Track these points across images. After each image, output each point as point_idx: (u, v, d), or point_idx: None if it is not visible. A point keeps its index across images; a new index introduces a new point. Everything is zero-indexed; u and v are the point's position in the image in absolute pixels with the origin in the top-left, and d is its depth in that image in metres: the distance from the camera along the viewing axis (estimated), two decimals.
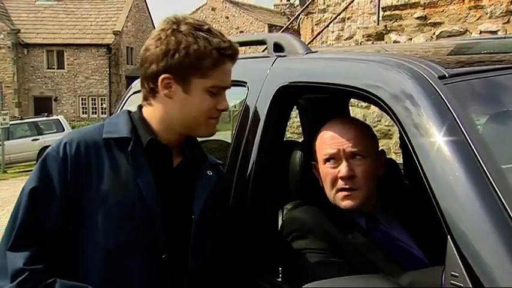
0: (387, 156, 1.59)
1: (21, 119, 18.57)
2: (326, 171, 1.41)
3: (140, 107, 1.34)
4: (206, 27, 1.24)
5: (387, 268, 1.28)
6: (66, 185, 1.18)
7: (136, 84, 2.73)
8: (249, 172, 1.54)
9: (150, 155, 1.25)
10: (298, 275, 1.34)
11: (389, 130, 5.29)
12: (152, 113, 1.29)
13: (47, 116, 17.63)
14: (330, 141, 1.41)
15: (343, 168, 1.37)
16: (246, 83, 1.65)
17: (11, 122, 16.04)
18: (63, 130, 16.72)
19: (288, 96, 1.54)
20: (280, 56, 1.61)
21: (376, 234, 1.40)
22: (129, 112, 1.34)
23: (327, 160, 1.41)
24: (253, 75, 1.65)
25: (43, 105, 26.58)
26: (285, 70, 1.57)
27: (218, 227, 1.35)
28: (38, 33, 27.71)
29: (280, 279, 1.38)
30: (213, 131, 1.32)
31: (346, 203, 1.38)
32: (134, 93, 2.69)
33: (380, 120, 5.41)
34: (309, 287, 1.03)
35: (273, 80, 1.55)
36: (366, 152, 1.39)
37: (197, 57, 1.20)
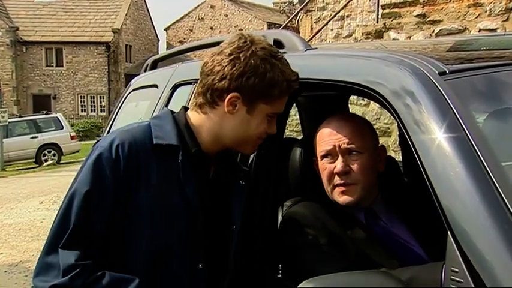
0: (387, 154, 1.59)
1: (20, 116, 18.52)
2: (323, 167, 1.43)
3: (185, 109, 1.36)
4: (280, 56, 1.29)
5: (387, 263, 1.28)
6: (117, 188, 1.19)
7: (136, 82, 2.74)
8: (249, 170, 1.54)
9: (194, 163, 1.28)
10: (298, 271, 1.34)
11: (388, 128, 5.29)
12: (203, 122, 1.31)
13: (45, 114, 17.60)
14: (326, 137, 1.42)
15: (338, 164, 1.38)
16: None
17: (9, 120, 16.01)
18: (62, 128, 16.70)
19: None
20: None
21: (376, 229, 1.40)
22: (173, 113, 1.35)
23: (323, 156, 1.42)
24: None
25: (42, 103, 26.55)
26: None
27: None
28: (36, 31, 27.67)
29: (280, 276, 1.38)
30: (255, 150, 1.40)
31: (343, 199, 1.39)
32: (133, 90, 2.69)
33: (379, 118, 5.41)
34: (306, 286, 1.03)
35: None
36: (362, 148, 1.39)
37: (270, 84, 1.24)
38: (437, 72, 1.14)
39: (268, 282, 1.42)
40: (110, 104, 26.87)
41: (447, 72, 1.14)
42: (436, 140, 1.04)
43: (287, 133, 7.02)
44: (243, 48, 1.25)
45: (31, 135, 16.39)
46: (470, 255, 0.91)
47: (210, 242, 1.28)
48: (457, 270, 0.92)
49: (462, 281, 0.90)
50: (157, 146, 1.25)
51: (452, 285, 0.93)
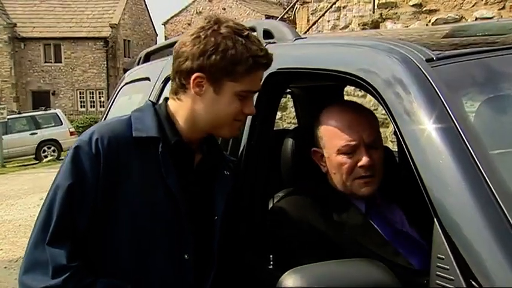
0: (384, 145, 1.59)
1: (19, 113, 18.52)
2: (340, 160, 1.39)
3: (167, 99, 1.35)
4: (246, 33, 1.25)
5: (381, 251, 1.28)
6: (97, 182, 1.19)
7: (129, 75, 2.73)
8: (239, 160, 1.54)
9: (175, 154, 1.27)
10: (287, 263, 1.34)
11: (386, 119, 5.28)
12: (179, 109, 1.30)
13: (44, 110, 17.59)
14: (344, 130, 1.38)
15: (364, 157, 1.36)
16: None
17: (9, 117, 16.00)
18: (61, 124, 16.70)
19: (276, 83, 1.52)
20: (270, 43, 1.60)
21: (376, 218, 1.39)
22: (154, 105, 1.34)
23: (343, 149, 1.38)
24: None
25: (41, 99, 26.51)
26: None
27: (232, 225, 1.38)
28: (34, 27, 27.57)
29: (271, 267, 1.38)
30: (236, 132, 1.35)
31: (365, 190, 1.38)
32: (126, 83, 2.68)
33: (376, 109, 5.39)
34: (290, 276, 1.03)
35: None
36: (380, 140, 1.41)
37: (232, 61, 1.22)
38: (424, 59, 1.13)
39: (259, 272, 1.42)
40: (109, 99, 26.84)
41: (434, 58, 1.13)
42: (424, 129, 1.03)
43: (285, 125, 7.02)
44: (205, 27, 1.24)
45: (30, 132, 16.40)
46: (457, 242, 0.90)
47: (194, 232, 1.27)
48: (443, 257, 0.92)
49: (448, 267, 0.90)
50: (138, 139, 1.24)
51: (438, 272, 0.92)
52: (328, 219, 1.37)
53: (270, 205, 1.58)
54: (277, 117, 1.99)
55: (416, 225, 1.39)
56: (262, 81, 1.32)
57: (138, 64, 2.68)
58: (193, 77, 1.24)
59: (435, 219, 0.95)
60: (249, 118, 1.53)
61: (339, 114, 1.42)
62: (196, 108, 1.28)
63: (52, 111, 17.92)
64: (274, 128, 1.75)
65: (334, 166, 1.41)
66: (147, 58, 2.64)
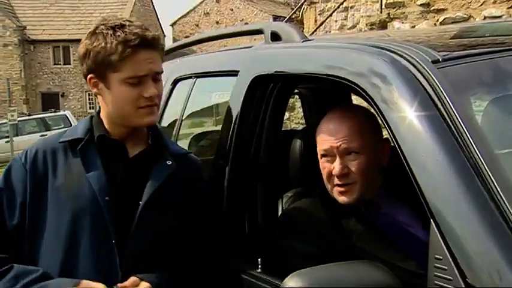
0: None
1: (29, 115, 18.69)
2: (323, 165, 1.40)
3: None
4: (120, 23, 1.31)
5: (383, 255, 1.27)
6: (25, 186, 1.35)
7: None
8: (247, 161, 1.56)
9: (103, 150, 1.37)
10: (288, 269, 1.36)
11: None
12: (101, 111, 1.42)
13: (54, 112, 17.73)
14: (324, 137, 1.39)
15: (336, 166, 1.35)
16: (238, 71, 1.66)
17: (19, 119, 16.16)
18: (71, 125, 16.68)
19: (262, 86, 1.55)
20: (277, 45, 1.62)
21: (377, 220, 1.39)
22: (92, 117, 1.44)
23: (322, 155, 1.40)
24: (242, 65, 1.68)
25: (50, 101, 26.71)
26: (258, 60, 1.62)
27: (180, 216, 1.41)
28: (44, 30, 27.79)
29: (259, 270, 1.40)
30: (148, 119, 1.36)
31: (342, 199, 1.37)
32: None
33: None
34: (293, 279, 1.05)
35: (250, 69, 1.60)
36: (361, 148, 1.36)
37: (105, 54, 1.29)
38: (430, 60, 1.13)
39: (246, 276, 1.43)
40: None
41: (440, 60, 1.14)
42: (426, 131, 1.03)
43: (292, 125, 7.03)
44: (88, 32, 1.34)
45: (40, 133, 16.52)
46: (454, 242, 0.91)
47: (122, 219, 1.33)
48: (440, 257, 0.92)
49: (446, 267, 0.91)
50: (64, 143, 1.38)
51: (436, 273, 0.93)
52: (332, 224, 1.38)
53: (279, 206, 1.60)
54: (285, 117, 2.00)
55: (423, 220, 1.39)
56: (145, 64, 1.31)
57: None
58: (88, 80, 1.36)
59: (431, 220, 0.96)
60: (256, 119, 1.56)
61: (324, 121, 1.42)
62: (105, 107, 1.38)
63: (61, 113, 18.08)
64: (282, 129, 1.77)
65: (321, 170, 1.42)
66: None
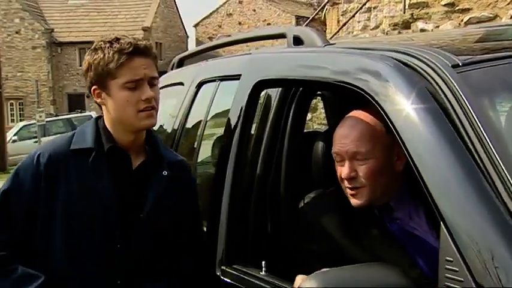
0: None
1: (56, 115, 19.09)
2: (336, 168, 1.43)
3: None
4: (115, 38, 1.46)
5: (396, 260, 1.27)
6: (37, 189, 1.43)
7: (164, 79, 2.82)
8: (272, 161, 1.60)
9: (111, 160, 1.48)
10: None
11: None
12: (106, 120, 1.52)
13: (80, 113, 18.07)
14: (337, 140, 1.42)
15: (344, 170, 1.37)
16: None
17: (46, 119, 16.52)
18: None
19: (259, 89, 1.61)
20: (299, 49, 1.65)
21: (391, 224, 1.40)
22: (98, 119, 1.55)
23: (334, 158, 1.43)
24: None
25: (76, 102, 27.18)
26: (260, 66, 1.68)
27: (176, 220, 1.56)
28: (70, 32, 28.34)
29: (263, 273, 1.43)
30: (148, 121, 1.47)
31: (352, 201, 1.39)
32: (161, 88, 2.77)
33: None
34: (310, 281, 1.08)
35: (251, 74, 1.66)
36: (370, 153, 1.36)
37: (104, 64, 1.43)
38: (450, 65, 1.14)
39: (252, 279, 1.46)
40: None
41: (460, 64, 1.14)
42: (446, 134, 1.04)
43: (315, 126, 7.02)
44: (90, 48, 1.49)
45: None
46: (464, 243, 0.92)
47: (126, 227, 1.46)
48: (451, 259, 0.93)
49: (457, 269, 0.92)
50: (75, 151, 1.47)
51: (447, 274, 0.94)
52: (346, 226, 1.40)
53: (301, 206, 1.63)
54: (307, 118, 2.03)
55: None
56: (140, 69, 1.44)
57: (172, 69, 2.77)
58: (92, 92, 1.49)
59: (441, 222, 0.97)
60: (278, 121, 1.60)
61: (339, 124, 1.44)
62: (109, 115, 1.50)
63: (87, 113, 18.41)
64: (305, 130, 1.80)
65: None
66: (181, 63, 2.73)
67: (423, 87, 1.12)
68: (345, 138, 1.39)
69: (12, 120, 25.96)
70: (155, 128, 1.73)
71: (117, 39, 1.45)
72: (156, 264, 1.52)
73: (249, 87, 1.63)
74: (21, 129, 18.14)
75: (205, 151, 2.30)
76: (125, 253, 1.46)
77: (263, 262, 1.43)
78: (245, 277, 1.47)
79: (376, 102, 1.17)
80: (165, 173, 1.52)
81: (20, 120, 24.11)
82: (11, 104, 27.10)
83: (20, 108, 27.72)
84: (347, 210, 1.42)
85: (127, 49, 1.43)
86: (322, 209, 1.47)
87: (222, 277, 1.55)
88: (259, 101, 1.69)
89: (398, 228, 1.39)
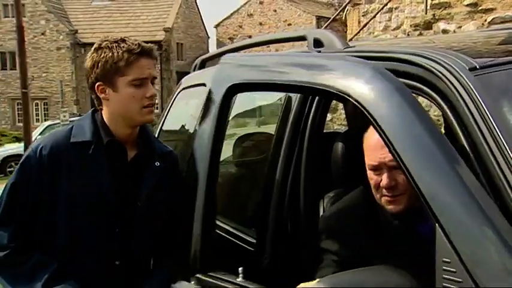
0: None
1: (80, 115, 19.38)
2: (370, 176, 1.43)
3: (101, 109, 1.64)
4: (121, 39, 1.57)
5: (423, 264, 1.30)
6: (41, 180, 1.53)
7: (186, 80, 2.87)
8: (291, 161, 1.63)
9: (109, 152, 1.57)
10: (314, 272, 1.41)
11: (439, 120, 5.17)
12: (105, 115, 1.61)
13: None
14: (372, 151, 1.41)
15: (384, 180, 1.37)
16: None
17: (70, 119, 16.81)
18: None
19: (232, 94, 1.66)
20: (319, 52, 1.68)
21: (423, 227, 1.38)
22: (94, 113, 1.64)
23: (370, 168, 1.42)
24: None
25: None
26: (233, 72, 1.71)
27: (171, 213, 1.66)
28: (94, 33, 28.75)
29: (240, 279, 1.46)
30: (149, 117, 1.60)
31: (391, 208, 1.39)
32: (184, 89, 2.82)
33: (429, 111, 5.29)
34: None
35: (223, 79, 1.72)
36: None
37: (113, 61, 1.53)
38: (467, 68, 1.14)
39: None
40: (163, 101, 27.52)
41: (477, 67, 1.15)
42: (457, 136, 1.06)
43: (335, 127, 7.01)
44: (93, 48, 1.58)
45: None
46: (461, 244, 0.92)
47: (125, 215, 1.57)
48: (449, 260, 0.93)
49: (455, 270, 0.92)
50: (75, 144, 1.56)
51: (445, 275, 0.94)
52: (371, 229, 1.41)
53: (321, 206, 1.66)
54: (327, 118, 2.05)
55: None
56: (145, 69, 1.55)
57: (194, 70, 2.82)
58: (95, 87, 1.57)
59: (436, 223, 0.97)
60: (298, 120, 1.63)
61: (370, 133, 1.43)
62: (111, 110, 1.58)
63: None
64: (325, 130, 1.83)
65: (369, 179, 1.44)
66: (203, 65, 2.78)
67: (402, 87, 1.13)
68: (382, 148, 1.35)
69: (37, 120, 26.48)
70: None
71: (123, 40, 1.56)
72: (154, 245, 1.65)
73: (222, 93, 1.67)
74: (46, 128, 18.47)
75: (227, 151, 2.35)
76: (123, 236, 1.57)
77: (240, 268, 1.46)
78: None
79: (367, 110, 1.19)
80: (157, 164, 1.63)
81: (45, 120, 24.59)
82: (36, 104, 27.68)
83: (44, 108, 28.29)
84: (371, 212, 1.44)
85: (135, 50, 1.54)
86: (345, 210, 1.49)
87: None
88: (280, 102, 1.72)
89: (429, 230, 1.41)
